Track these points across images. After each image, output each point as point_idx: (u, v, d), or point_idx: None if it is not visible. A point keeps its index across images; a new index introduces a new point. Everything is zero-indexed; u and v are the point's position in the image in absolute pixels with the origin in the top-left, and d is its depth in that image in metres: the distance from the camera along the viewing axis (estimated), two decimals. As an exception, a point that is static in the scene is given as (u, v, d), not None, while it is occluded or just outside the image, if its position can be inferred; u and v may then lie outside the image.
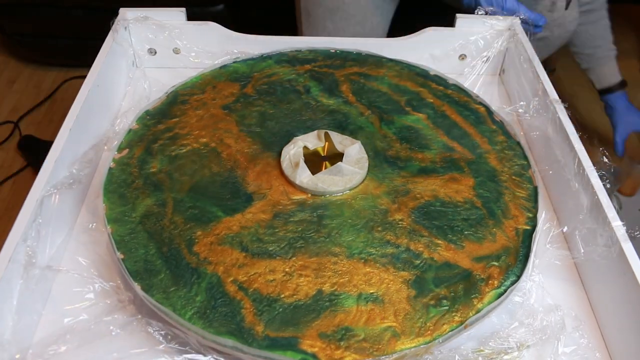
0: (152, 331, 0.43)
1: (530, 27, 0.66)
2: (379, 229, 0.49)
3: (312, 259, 0.46)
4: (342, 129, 0.59)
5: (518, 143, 0.57)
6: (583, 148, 0.52)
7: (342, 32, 0.94)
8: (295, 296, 0.44)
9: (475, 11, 0.69)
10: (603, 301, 0.47)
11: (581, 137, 0.53)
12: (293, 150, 0.55)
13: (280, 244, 0.47)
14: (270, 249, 0.47)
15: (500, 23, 0.70)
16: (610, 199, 0.48)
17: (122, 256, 0.46)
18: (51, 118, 1.58)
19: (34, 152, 1.42)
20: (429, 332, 0.42)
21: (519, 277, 0.46)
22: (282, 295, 0.44)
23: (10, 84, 1.68)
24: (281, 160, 0.54)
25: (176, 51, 0.71)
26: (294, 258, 0.46)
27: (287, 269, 0.45)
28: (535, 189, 0.53)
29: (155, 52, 0.72)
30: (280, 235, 0.48)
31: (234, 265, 0.46)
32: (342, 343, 0.41)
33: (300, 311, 0.43)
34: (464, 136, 0.58)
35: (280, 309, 0.43)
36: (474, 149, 0.57)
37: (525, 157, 0.56)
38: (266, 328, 0.42)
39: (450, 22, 0.70)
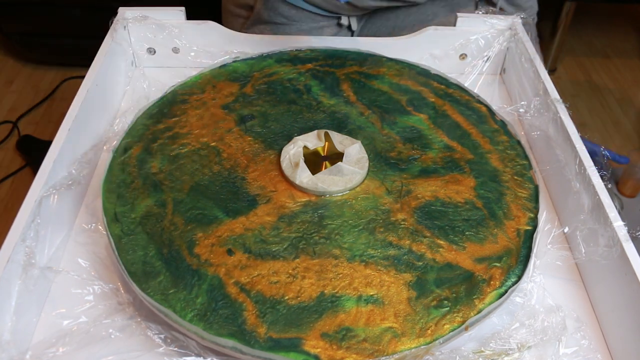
0: (151, 334, 0.43)
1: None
2: (381, 229, 0.48)
3: (314, 260, 0.46)
4: (342, 128, 0.58)
5: (518, 142, 0.57)
6: (584, 148, 0.52)
7: None
8: (299, 298, 0.43)
9: (476, 11, 0.69)
10: (604, 302, 0.47)
11: (582, 137, 0.53)
12: (293, 150, 0.54)
13: (284, 244, 0.47)
14: (274, 249, 0.47)
15: (501, 22, 0.70)
16: (612, 199, 0.47)
17: (121, 258, 0.46)
18: (50, 118, 1.57)
19: (33, 152, 1.42)
20: (429, 332, 0.42)
21: (519, 277, 0.46)
22: (286, 297, 0.43)
23: (8, 84, 1.68)
24: (281, 160, 0.53)
25: (175, 51, 0.71)
26: (297, 259, 0.46)
27: (290, 271, 0.45)
28: (536, 188, 0.53)
29: (155, 52, 0.71)
30: (284, 235, 0.48)
31: (235, 267, 0.45)
32: (343, 343, 0.41)
33: (304, 312, 0.43)
34: (465, 136, 0.58)
35: (284, 311, 0.43)
36: (475, 149, 0.56)
37: (527, 157, 0.56)
38: (269, 330, 0.41)
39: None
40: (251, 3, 0.82)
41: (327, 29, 0.83)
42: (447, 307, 0.43)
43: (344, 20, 0.80)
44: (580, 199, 0.50)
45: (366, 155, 0.55)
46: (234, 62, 0.66)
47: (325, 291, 0.44)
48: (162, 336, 0.43)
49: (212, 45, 0.70)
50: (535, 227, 0.49)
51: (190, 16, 0.70)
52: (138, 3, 0.70)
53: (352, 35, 0.84)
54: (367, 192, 0.52)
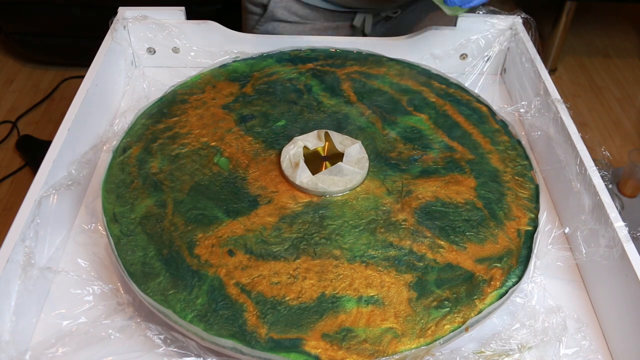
0: (151, 335, 0.43)
1: None
2: (382, 230, 0.48)
3: (315, 261, 0.46)
4: (343, 129, 0.58)
5: (519, 142, 0.57)
6: (585, 148, 0.52)
7: None
8: (300, 299, 0.43)
9: (477, 10, 0.69)
10: (605, 302, 0.46)
11: (583, 137, 0.53)
12: (293, 150, 0.54)
13: (284, 245, 0.47)
14: (275, 250, 0.47)
15: (501, 22, 0.69)
16: (612, 200, 0.47)
17: (120, 258, 0.46)
18: (49, 118, 1.57)
19: (32, 151, 1.42)
20: (429, 333, 0.42)
21: (520, 278, 0.46)
22: (287, 298, 0.43)
23: (8, 84, 1.68)
24: (281, 160, 0.53)
25: (175, 50, 0.71)
26: (298, 260, 0.46)
27: (291, 272, 0.45)
28: (537, 188, 0.53)
29: (155, 52, 0.71)
30: (285, 236, 0.48)
31: (236, 268, 0.45)
32: (343, 344, 0.41)
33: (305, 313, 0.43)
34: (466, 136, 0.58)
35: (285, 311, 0.43)
36: (476, 149, 0.56)
37: (528, 157, 0.56)
38: (270, 330, 0.41)
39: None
40: (265, 2, 0.81)
41: (343, 30, 0.82)
42: (447, 307, 0.43)
43: (357, 21, 0.79)
44: (581, 199, 0.50)
45: (366, 156, 0.54)
46: (234, 62, 0.66)
47: (326, 292, 0.44)
48: (162, 337, 0.43)
49: (212, 45, 0.70)
50: (535, 227, 0.49)
51: (190, 16, 0.70)
52: (138, 3, 0.70)
53: None
54: (368, 192, 0.52)
